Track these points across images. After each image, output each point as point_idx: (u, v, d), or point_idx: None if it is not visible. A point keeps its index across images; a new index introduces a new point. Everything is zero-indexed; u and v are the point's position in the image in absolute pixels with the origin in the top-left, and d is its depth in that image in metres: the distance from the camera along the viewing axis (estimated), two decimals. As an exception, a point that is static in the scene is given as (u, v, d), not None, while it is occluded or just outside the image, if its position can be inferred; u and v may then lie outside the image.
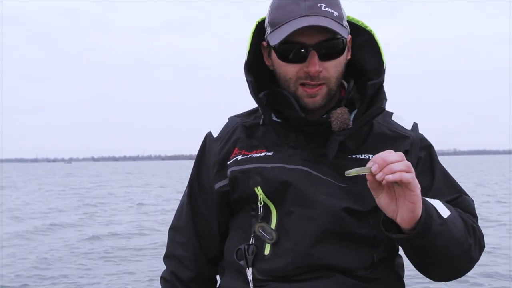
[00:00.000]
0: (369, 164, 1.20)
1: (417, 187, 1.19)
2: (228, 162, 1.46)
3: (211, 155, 1.51)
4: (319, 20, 1.29)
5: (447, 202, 1.37)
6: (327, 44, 1.31)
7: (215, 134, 1.53)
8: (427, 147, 1.47)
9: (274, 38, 1.33)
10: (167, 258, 1.59)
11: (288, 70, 1.35)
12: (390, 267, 1.41)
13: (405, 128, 1.46)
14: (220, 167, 1.48)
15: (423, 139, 1.47)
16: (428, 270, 1.36)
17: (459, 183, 1.47)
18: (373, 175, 1.19)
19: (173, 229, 1.59)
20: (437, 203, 1.29)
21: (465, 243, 1.30)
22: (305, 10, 1.30)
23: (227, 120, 1.56)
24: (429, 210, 1.23)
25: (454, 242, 1.27)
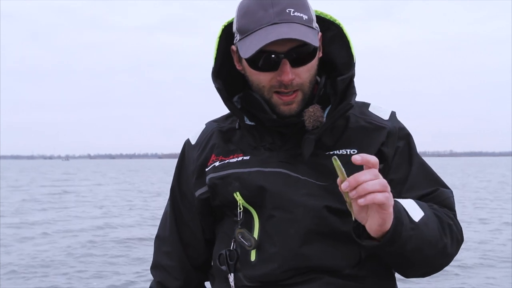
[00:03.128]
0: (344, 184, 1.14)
1: (389, 206, 1.16)
2: (206, 169, 1.45)
3: (190, 163, 1.51)
4: (289, 28, 1.27)
5: (424, 196, 1.37)
6: (298, 50, 1.29)
7: (193, 141, 1.53)
8: (406, 136, 1.43)
9: (244, 49, 1.30)
10: (153, 268, 1.58)
11: (260, 79, 1.33)
12: (378, 263, 1.37)
13: (382, 119, 1.43)
14: (199, 174, 1.47)
15: (401, 127, 1.44)
16: (403, 270, 1.35)
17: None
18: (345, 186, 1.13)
19: (158, 238, 1.60)
20: (410, 204, 1.27)
21: (439, 242, 1.28)
22: (274, 17, 1.28)
23: (204, 126, 1.56)
24: (399, 217, 1.20)
25: (426, 244, 1.26)
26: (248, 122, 1.42)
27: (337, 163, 1.13)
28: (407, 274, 1.37)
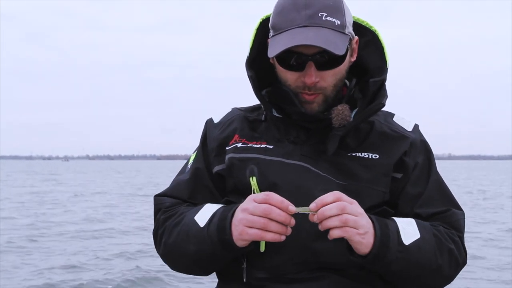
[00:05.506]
0: (312, 206, 1.23)
1: (352, 237, 1.23)
2: (227, 148, 1.46)
3: (211, 140, 1.51)
4: (316, 33, 1.28)
5: (435, 214, 1.41)
6: (324, 55, 1.31)
7: (216, 120, 1.54)
8: (427, 152, 1.47)
9: (272, 48, 1.33)
10: (159, 196, 1.52)
11: (287, 77, 1.36)
12: None
13: (405, 129, 1.47)
14: (218, 152, 1.47)
15: (423, 141, 1.47)
16: (395, 283, 1.39)
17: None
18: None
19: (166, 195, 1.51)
20: (406, 225, 1.33)
21: (432, 264, 1.32)
22: (305, 20, 1.30)
23: (230, 110, 1.57)
24: (386, 241, 1.27)
25: (416, 266, 1.30)
26: (276, 114, 1.44)
27: (298, 210, 1.24)
28: (399, 287, 1.41)
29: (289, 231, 1.24)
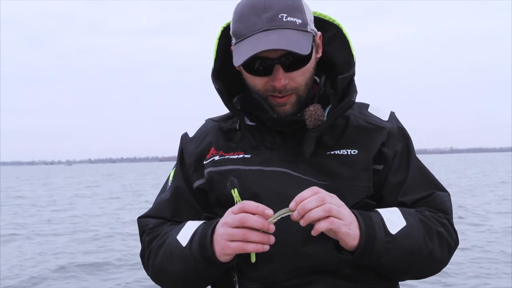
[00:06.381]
0: (291, 205, 1.21)
1: (339, 228, 1.21)
2: (205, 162, 1.45)
3: (187, 155, 1.50)
4: (279, 35, 1.27)
5: (420, 199, 1.40)
6: (290, 56, 1.29)
7: (190, 134, 1.53)
8: (405, 139, 1.45)
9: (237, 56, 1.31)
10: (142, 217, 1.51)
11: (255, 83, 1.34)
12: None
13: (381, 119, 1.45)
14: (196, 167, 1.47)
15: (401, 128, 1.46)
16: (390, 276, 1.37)
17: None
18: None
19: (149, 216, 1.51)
20: (390, 214, 1.31)
21: (423, 250, 1.31)
22: (266, 23, 1.28)
23: (204, 122, 1.56)
24: (372, 233, 1.25)
25: (407, 253, 1.29)
26: (248, 122, 1.43)
27: (275, 217, 1.22)
28: (396, 279, 1.40)
29: (272, 239, 1.22)
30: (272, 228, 1.22)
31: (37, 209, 18.89)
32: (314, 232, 1.20)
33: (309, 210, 1.19)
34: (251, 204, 1.23)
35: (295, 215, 1.20)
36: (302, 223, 1.20)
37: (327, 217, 1.19)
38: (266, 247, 1.22)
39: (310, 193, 1.21)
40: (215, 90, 1.42)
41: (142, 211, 1.57)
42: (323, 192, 1.22)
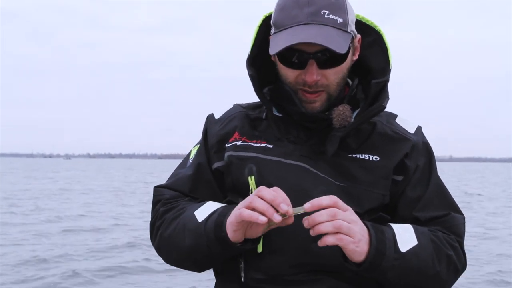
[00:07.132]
0: (306, 205, 1.19)
1: (347, 245, 1.20)
2: (227, 145, 1.45)
3: (211, 136, 1.50)
4: (318, 31, 1.27)
5: (435, 218, 1.39)
6: (326, 53, 1.29)
7: (216, 116, 1.53)
8: (428, 155, 1.45)
9: (273, 45, 1.31)
10: (159, 187, 1.52)
11: (288, 74, 1.34)
12: None
13: (407, 131, 1.44)
14: (218, 148, 1.47)
15: (425, 143, 1.45)
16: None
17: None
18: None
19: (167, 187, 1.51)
20: (405, 232, 1.30)
21: (430, 271, 1.30)
22: (307, 17, 1.28)
23: (231, 106, 1.56)
24: (382, 248, 1.24)
25: (413, 272, 1.28)
26: (276, 113, 1.43)
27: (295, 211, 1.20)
28: None
29: (278, 218, 1.18)
30: (278, 217, 1.18)
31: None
32: (320, 244, 1.20)
33: (319, 223, 1.18)
34: (267, 194, 1.20)
35: (305, 224, 1.20)
36: (312, 233, 1.20)
37: (336, 233, 1.19)
38: (263, 218, 1.17)
39: (327, 202, 1.19)
40: (247, 76, 1.40)
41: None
42: (339, 205, 1.20)
